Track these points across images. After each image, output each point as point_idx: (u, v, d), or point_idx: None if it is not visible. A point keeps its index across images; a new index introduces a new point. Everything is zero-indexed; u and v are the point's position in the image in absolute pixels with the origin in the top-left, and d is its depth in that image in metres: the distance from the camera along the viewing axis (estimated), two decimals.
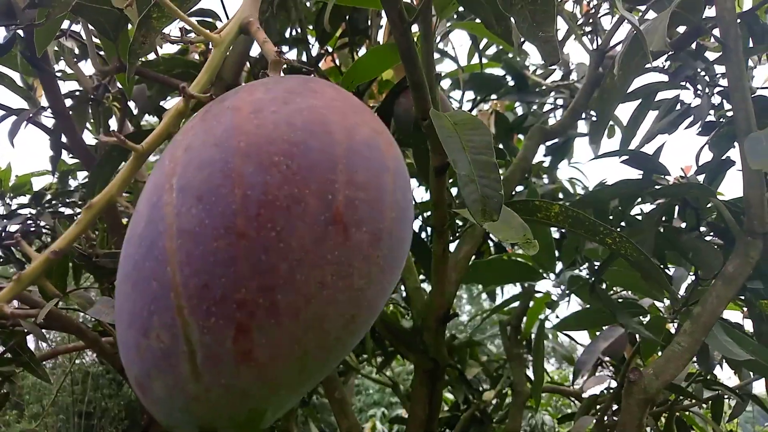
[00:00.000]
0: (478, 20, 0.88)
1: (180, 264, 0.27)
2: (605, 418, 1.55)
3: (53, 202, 1.78)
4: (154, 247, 0.28)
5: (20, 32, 1.08)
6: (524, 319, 1.63)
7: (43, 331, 1.26)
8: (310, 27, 1.41)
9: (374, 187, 0.29)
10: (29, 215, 1.72)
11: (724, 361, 1.40)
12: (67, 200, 1.78)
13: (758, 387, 1.60)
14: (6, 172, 1.87)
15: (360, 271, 0.28)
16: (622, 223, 1.23)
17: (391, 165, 0.31)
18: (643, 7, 0.93)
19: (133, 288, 0.28)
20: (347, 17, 1.08)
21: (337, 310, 0.28)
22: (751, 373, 1.50)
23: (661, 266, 1.22)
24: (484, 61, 1.70)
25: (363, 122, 0.31)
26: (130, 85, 1.02)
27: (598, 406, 1.63)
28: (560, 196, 1.82)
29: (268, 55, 0.34)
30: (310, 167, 0.28)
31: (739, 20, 1.06)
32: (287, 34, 1.39)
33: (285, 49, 1.41)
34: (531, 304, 1.56)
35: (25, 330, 1.22)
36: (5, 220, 1.68)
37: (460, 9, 0.96)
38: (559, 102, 1.68)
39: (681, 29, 1.11)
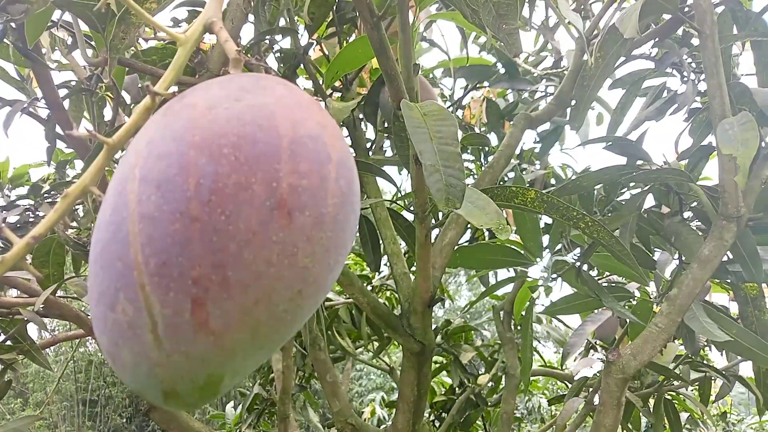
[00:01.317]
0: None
1: (141, 245, 0.30)
2: (594, 399, 1.58)
3: (51, 192, 1.80)
4: (119, 231, 0.31)
5: (12, 23, 1.09)
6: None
7: (45, 321, 1.29)
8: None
9: (316, 175, 0.32)
10: (28, 206, 1.74)
11: (713, 343, 1.43)
12: (65, 190, 1.80)
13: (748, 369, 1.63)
14: (4, 164, 1.89)
15: (304, 250, 0.31)
16: (609, 207, 1.25)
17: (334, 156, 0.33)
18: None
19: (101, 268, 0.32)
20: (334, 6, 1.09)
21: (284, 285, 0.31)
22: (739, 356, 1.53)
23: (647, 250, 1.24)
24: (477, 48, 1.71)
25: (309, 117, 0.34)
26: (119, 77, 1.04)
27: (590, 389, 1.66)
28: (552, 181, 1.84)
29: (229, 53, 0.36)
30: (256, 158, 0.31)
31: (723, 6, 1.07)
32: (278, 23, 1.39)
33: (278, 38, 1.42)
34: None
35: (25, 318, 1.25)
36: (4, 212, 1.70)
37: None
38: (550, 90, 1.69)
39: (667, 16, 1.12)
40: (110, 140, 0.34)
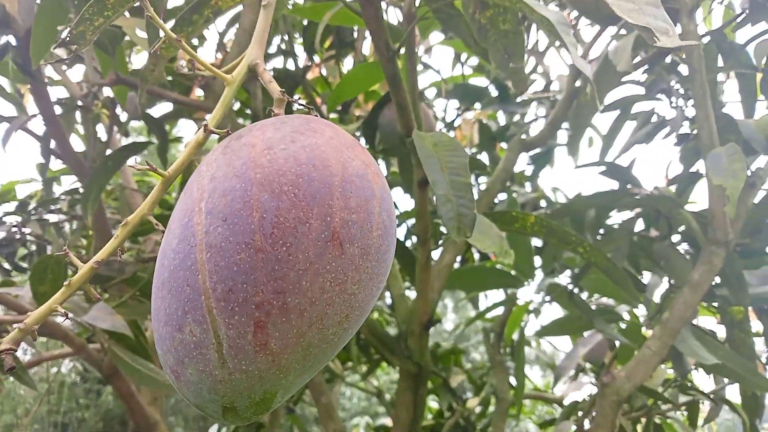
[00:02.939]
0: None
1: (209, 273, 0.33)
2: (585, 423, 1.58)
3: (38, 209, 1.78)
4: (187, 258, 0.34)
5: (12, 41, 1.10)
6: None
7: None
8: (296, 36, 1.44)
9: (364, 210, 0.35)
10: (15, 223, 1.71)
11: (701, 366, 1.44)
12: (52, 207, 1.78)
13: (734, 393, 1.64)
14: None
15: (352, 278, 0.35)
16: (601, 231, 1.27)
17: (377, 192, 0.37)
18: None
19: (169, 292, 0.34)
20: (335, 31, 1.11)
21: (334, 309, 0.34)
22: (726, 379, 1.54)
23: (637, 273, 1.26)
24: (469, 70, 1.74)
25: (355, 156, 0.37)
26: (122, 96, 1.05)
27: (579, 413, 1.66)
28: (542, 204, 1.86)
29: (273, 94, 0.39)
30: (313, 195, 0.34)
31: (709, 38, 1.11)
32: (275, 44, 1.42)
33: (273, 58, 1.44)
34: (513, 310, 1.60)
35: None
36: None
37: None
38: (541, 112, 1.73)
39: None
40: (166, 173, 0.37)
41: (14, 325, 0.36)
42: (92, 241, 1.73)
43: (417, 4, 0.70)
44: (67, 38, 0.39)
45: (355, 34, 1.30)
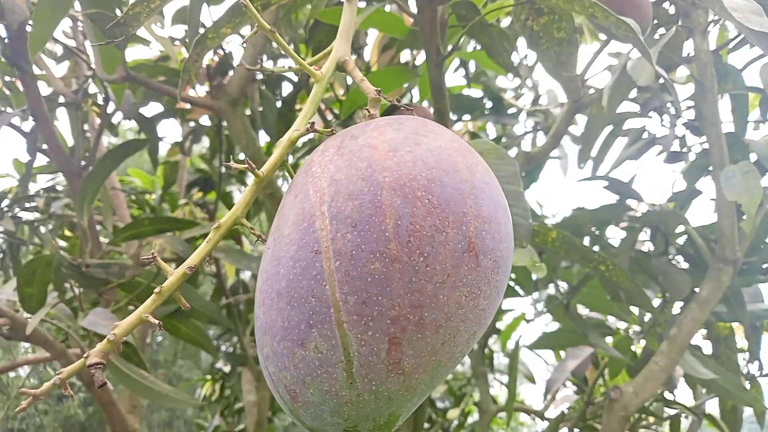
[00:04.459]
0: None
1: (339, 283, 0.30)
2: None
3: (13, 206, 1.72)
4: (311, 267, 0.31)
5: (2, 34, 1.05)
6: (492, 337, 1.66)
7: None
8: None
9: (494, 220, 0.33)
10: None
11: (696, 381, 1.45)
12: (27, 205, 1.72)
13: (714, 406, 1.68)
14: None
15: (485, 292, 0.32)
16: (595, 247, 1.28)
17: (501, 201, 0.35)
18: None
19: (288, 303, 0.31)
20: None
21: (466, 326, 0.32)
22: (704, 390, 1.57)
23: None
24: (462, 81, 1.75)
25: (477, 161, 0.35)
26: (119, 93, 1.01)
27: (561, 425, 1.67)
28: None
29: (368, 93, 0.37)
30: (447, 201, 0.31)
31: None
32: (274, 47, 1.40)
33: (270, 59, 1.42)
34: (502, 324, 1.60)
35: None
36: None
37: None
38: (530, 124, 1.74)
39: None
40: (260, 173, 0.34)
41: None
42: (75, 241, 1.67)
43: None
44: (122, 20, 0.36)
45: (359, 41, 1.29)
